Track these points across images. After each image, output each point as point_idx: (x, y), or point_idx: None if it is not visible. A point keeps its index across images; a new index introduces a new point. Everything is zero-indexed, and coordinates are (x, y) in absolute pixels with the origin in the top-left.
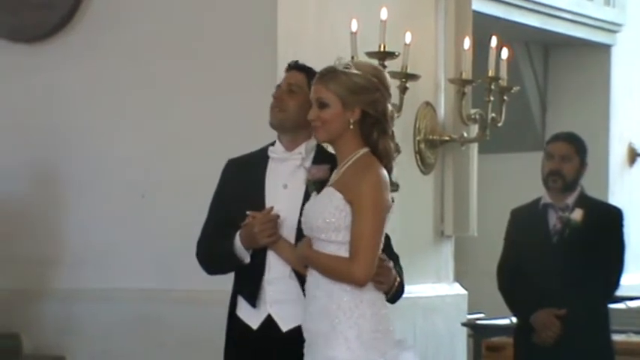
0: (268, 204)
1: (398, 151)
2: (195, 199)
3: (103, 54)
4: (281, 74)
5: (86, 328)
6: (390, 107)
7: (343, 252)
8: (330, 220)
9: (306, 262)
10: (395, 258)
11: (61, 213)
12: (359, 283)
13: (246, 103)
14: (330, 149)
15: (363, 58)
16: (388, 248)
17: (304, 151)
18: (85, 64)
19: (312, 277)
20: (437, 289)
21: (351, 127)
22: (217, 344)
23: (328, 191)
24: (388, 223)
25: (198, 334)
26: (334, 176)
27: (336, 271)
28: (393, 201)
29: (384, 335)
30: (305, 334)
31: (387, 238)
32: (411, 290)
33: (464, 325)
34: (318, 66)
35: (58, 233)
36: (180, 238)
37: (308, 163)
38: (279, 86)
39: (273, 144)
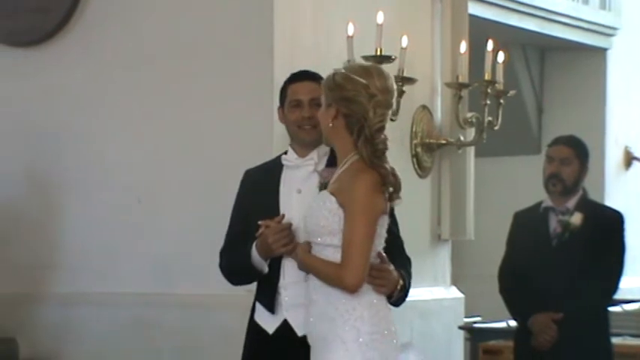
0: (282, 210)
1: (384, 150)
2: (192, 204)
3: (98, 58)
4: (278, 78)
5: (83, 333)
6: (374, 109)
7: (340, 256)
8: (324, 223)
9: (302, 266)
10: (405, 261)
11: (57, 217)
12: (349, 289)
13: (243, 108)
14: None
15: (359, 62)
16: (398, 251)
17: (316, 156)
18: (81, 68)
19: (311, 281)
20: (434, 293)
21: (330, 125)
22: (215, 349)
23: (323, 195)
24: (384, 226)
25: (196, 338)
26: (332, 179)
27: (327, 275)
28: (397, 200)
29: (384, 337)
30: (308, 339)
31: (397, 240)
32: (408, 294)
33: (461, 328)
34: (315, 70)
35: (54, 237)
36: (177, 242)
37: (321, 168)
38: (296, 102)
39: (285, 152)
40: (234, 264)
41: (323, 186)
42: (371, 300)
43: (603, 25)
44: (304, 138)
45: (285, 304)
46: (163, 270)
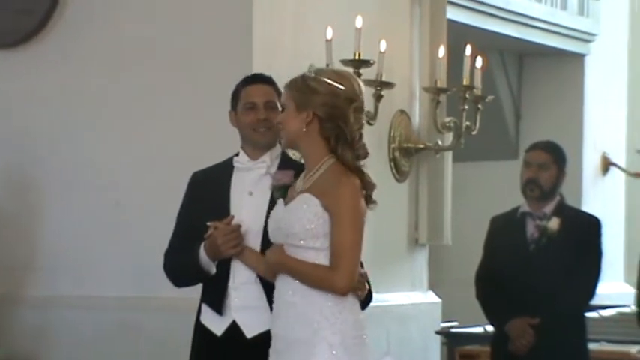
0: (233, 212)
1: (364, 156)
2: (170, 207)
3: (78, 60)
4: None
5: (62, 336)
6: (354, 114)
7: (322, 258)
8: (309, 226)
9: (279, 268)
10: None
11: (35, 219)
12: (341, 292)
13: (222, 112)
14: (295, 156)
15: (338, 66)
16: None
17: (269, 159)
18: (61, 69)
19: (285, 283)
20: (411, 297)
21: (304, 129)
22: None
23: (304, 197)
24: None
25: (175, 341)
26: (302, 183)
27: (316, 279)
28: (372, 205)
29: (362, 341)
30: (276, 342)
31: None
32: (385, 298)
33: (438, 333)
34: (294, 74)
35: (33, 239)
36: (156, 245)
37: (273, 170)
38: (251, 104)
39: (237, 154)
40: (181, 265)
41: (276, 189)
42: (353, 304)
43: (581, 32)
44: (258, 140)
45: (234, 306)
46: (144, 273)
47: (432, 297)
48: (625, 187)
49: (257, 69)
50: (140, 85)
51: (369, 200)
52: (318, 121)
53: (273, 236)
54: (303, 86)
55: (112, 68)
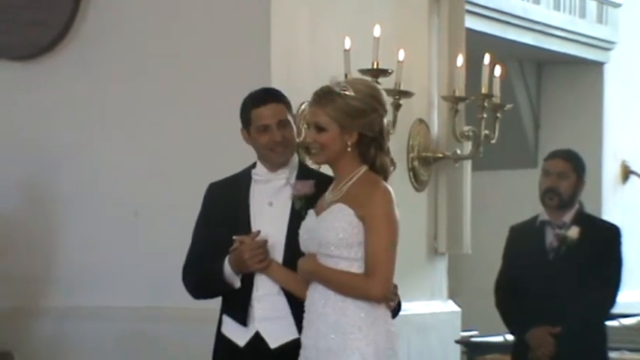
0: (254, 222)
1: (393, 165)
2: (188, 218)
3: (95, 72)
4: None
5: (79, 347)
6: (385, 123)
7: (355, 269)
8: (344, 235)
9: (312, 277)
10: None
11: (52, 231)
12: (377, 299)
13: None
14: (313, 165)
15: (356, 76)
16: None
17: (287, 169)
18: (78, 82)
19: (318, 293)
20: (431, 307)
21: (349, 149)
22: None
23: (338, 207)
24: None
25: (191, 352)
26: (331, 195)
27: (351, 287)
28: None
29: (394, 353)
30: (306, 351)
31: None
32: (405, 307)
33: (457, 342)
34: (311, 83)
35: (49, 251)
36: (172, 256)
37: (293, 180)
38: (264, 127)
39: (254, 166)
40: (203, 279)
41: (297, 198)
42: (386, 315)
43: (600, 39)
44: (277, 160)
45: (257, 317)
46: (159, 284)
47: (451, 306)
48: None
49: (275, 79)
50: (157, 96)
51: None
52: (359, 138)
53: (305, 246)
54: (348, 107)
55: (130, 79)
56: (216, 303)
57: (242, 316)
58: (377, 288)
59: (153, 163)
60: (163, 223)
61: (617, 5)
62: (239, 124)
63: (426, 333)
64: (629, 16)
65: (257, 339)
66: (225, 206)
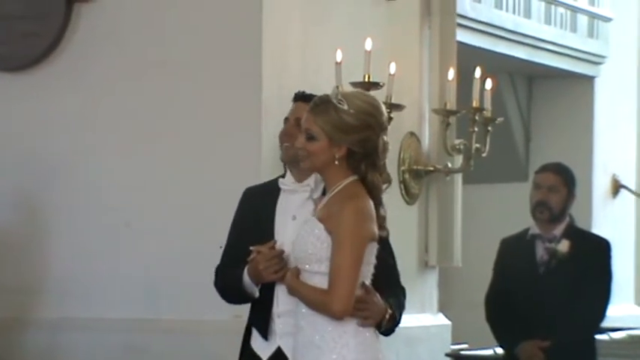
0: (277, 235)
1: (389, 181)
2: (181, 228)
3: (87, 82)
4: (266, 104)
5: (71, 358)
6: (382, 141)
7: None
8: (312, 250)
9: (290, 293)
10: (399, 291)
11: (44, 241)
12: (336, 316)
13: (232, 131)
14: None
15: (347, 88)
16: (393, 281)
17: (313, 182)
18: (70, 92)
19: (298, 307)
20: (421, 320)
21: (337, 162)
22: None
23: (312, 221)
24: (373, 253)
25: None
26: (320, 205)
27: (315, 303)
28: (387, 231)
29: None
30: None
31: (394, 271)
32: None
33: (448, 355)
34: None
35: (41, 262)
36: (165, 267)
37: (317, 195)
38: (287, 119)
39: (283, 175)
40: (227, 285)
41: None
42: (357, 328)
43: (591, 54)
44: (284, 155)
45: (279, 332)
46: (152, 295)
47: (441, 319)
48: (635, 208)
49: (267, 87)
50: (150, 106)
51: (382, 226)
52: (348, 152)
53: (291, 261)
54: (339, 122)
55: (122, 89)
56: (209, 314)
57: (264, 331)
58: (336, 305)
59: (145, 173)
60: (156, 233)
61: (608, 20)
62: (232, 136)
63: (416, 346)
64: (620, 30)
65: (279, 354)
66: (253, 215)
